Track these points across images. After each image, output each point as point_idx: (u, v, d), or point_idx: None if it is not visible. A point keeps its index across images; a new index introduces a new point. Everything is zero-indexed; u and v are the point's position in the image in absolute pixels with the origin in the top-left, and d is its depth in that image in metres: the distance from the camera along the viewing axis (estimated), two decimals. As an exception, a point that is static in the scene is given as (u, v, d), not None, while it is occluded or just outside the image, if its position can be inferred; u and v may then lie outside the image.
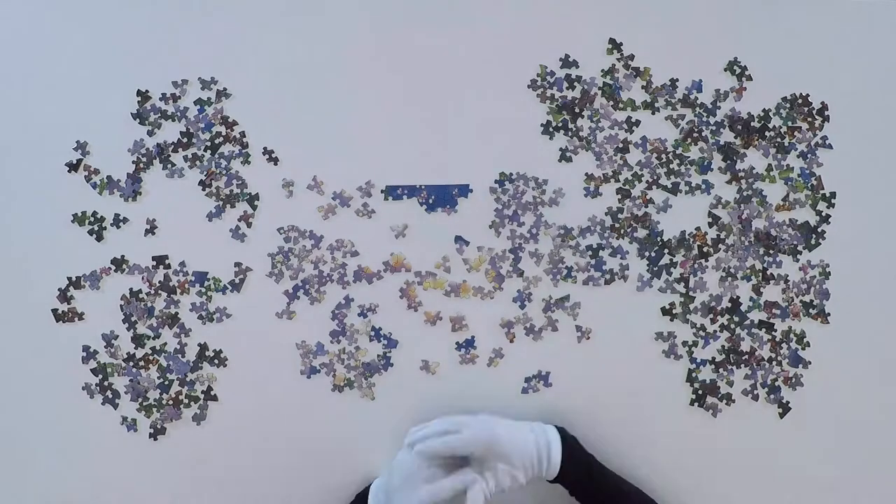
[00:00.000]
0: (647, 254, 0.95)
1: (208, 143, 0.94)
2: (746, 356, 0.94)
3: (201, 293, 0.93)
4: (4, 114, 0.94)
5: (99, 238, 0.93)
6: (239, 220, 0.94)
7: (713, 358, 0.94)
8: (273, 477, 0.92)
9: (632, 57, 0.96)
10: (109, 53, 0.94)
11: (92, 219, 0.93)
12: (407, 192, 0.94)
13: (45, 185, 0.93)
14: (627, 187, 0.95)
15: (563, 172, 0.95)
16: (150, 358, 0.93)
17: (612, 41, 0.96)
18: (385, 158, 0.94)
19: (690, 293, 0.94)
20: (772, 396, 0.94)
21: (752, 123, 0.96)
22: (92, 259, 0.93)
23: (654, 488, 0.89)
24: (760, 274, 0.95)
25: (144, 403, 0.92)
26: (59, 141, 0.94)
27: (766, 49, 0.96)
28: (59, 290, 0.92)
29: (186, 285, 0.93)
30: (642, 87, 0.96)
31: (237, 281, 0.93)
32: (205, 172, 0.94)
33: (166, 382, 0.92)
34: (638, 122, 0.96)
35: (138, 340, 0.93)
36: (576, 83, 0.96)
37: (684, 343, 0.94)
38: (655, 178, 0.95)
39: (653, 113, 0.96)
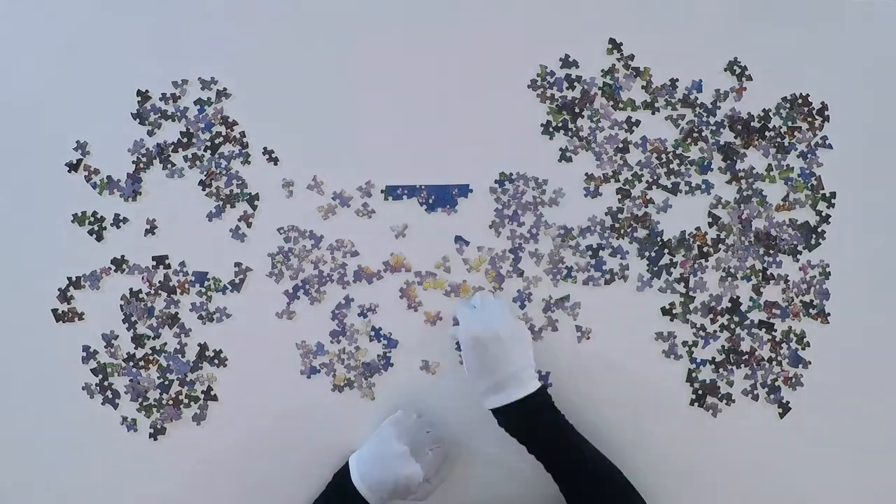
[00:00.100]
0: (647, 254, 0.95)
1: (208, 143, 0.94)
2: (746, 356, 0.94)
3: (201, 293, 0.93)
4: (5, 114, 0.94)
5: (99, 238, 0.93)
6: (239, 220, 0.94)
7: (713, 358, 0.94)
8: (273, 477, 0.92)
9: (632, 57, 0.96)
10: (109, 53, 0.94)
11: (92, 219, 0.93)
12: (407, 192, 0.94)
13: (45, 185, 0.93)
14: (627, 187, 0.95)
15: (563, 172, 0.95)
16: (150, 358, 0.93)
17: (612, 41, 0.96)
18: (385, 158, 0.94)
19: (690, 293, 0.94)
20: (772, 396, 0.94)
21: (752, 123, 0.96)
22: (92, 259, 0.93)
23: (655, 488, 0.89)
24: (760, 274, 0.95)
25: (144, 403, 0.92)
26: (59, 141, 0.94)
27: (766, 49, 0.96)
28: (59, 290, 0.92)
29: (186, 285, 0.93)
30: (642, 87, 0.96)
31: (237, 281, 0.93)
32: (205, 172, 0.94)
33: (166, 382, 0.92)
34: (638, 122, 0.96)
35: (138, 340, 0.93)
36: (576, 83, 0.96)
37: (684, 343, 0.94)
38: (655, 178, 0.95)
39: (653, 113, 0.96)
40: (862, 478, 0.93)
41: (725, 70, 0.97)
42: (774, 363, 0.94)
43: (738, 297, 0.94)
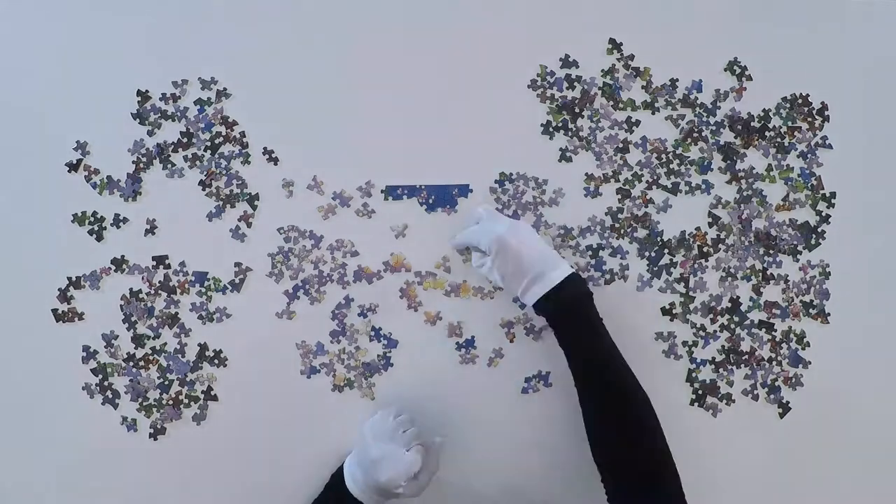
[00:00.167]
0: (647, 254, 0.95)
1: (208, 143, 0.94)
2: (746, 356, 0.94)
3: (201, 293, 0.93)
4: (5, 114, 0.94)
5: (99, 238, 0.93)
6: (239, 220, 0.94)
7: (713, 358, 0.94)
8: (273, 477, 0.92)
9: (632, 57, 0.96)
10: (109, 53, 0.94)
11: (92, 219, 0.93)
12: (407, 192, 0.94)
13: (45, 185, 0.93)
14: (627, 187, 0.95)
15: (563, 172, 0.95)
16: (150, 358, 0.93)
17: (612, 41, 0.96)
18: (385, 158, 0.94)
19: (690, 293, 0.94)
20: (772, 396, 0.94)
21: (752, 123, 0.96)
22: (92, 259, 0.93)
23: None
24: (760, 274, 0.95)
25: (144, 403, 0.92)
26: (59, 141, 0.94)
27: (766, 49, 0.97)
28: (59, 290, 0.92)
29: (186, 285, 0.93)
30: (642, 87, 0.96)
31: (237, 281, 0.93)
32: (205, 172, 0.94)
33: (166, 382, 0.92)
34: (638, 122, 0.96)
35: (138, 340, 0.93)
36: (576, 83, 0.96)
37: (684, 343, 0.94)
38: (655, 178, 0.95)
39: (653, 113, 0.96)
40: (862, 478, 0.93)
41: (725, 70, 0.97)
42: (774, 363, 0.94)
43: (738, 297, 0.94)
